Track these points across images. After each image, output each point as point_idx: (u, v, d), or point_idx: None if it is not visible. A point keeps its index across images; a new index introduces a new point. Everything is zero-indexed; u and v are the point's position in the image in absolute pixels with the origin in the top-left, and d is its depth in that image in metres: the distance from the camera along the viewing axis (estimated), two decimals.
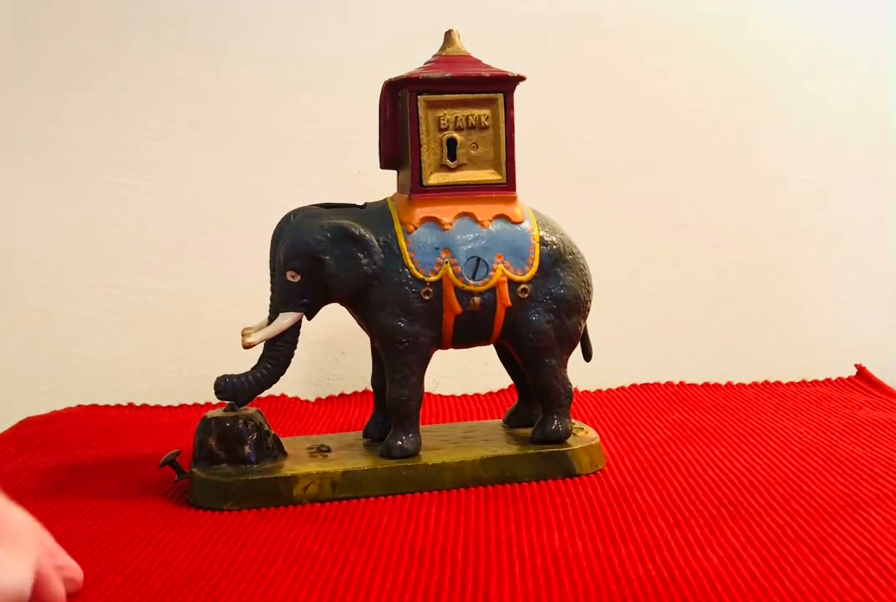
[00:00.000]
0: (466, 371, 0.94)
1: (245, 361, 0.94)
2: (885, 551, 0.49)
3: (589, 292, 0.65)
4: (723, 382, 0.94)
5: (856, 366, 0.94)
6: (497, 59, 0.64)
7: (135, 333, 0.95)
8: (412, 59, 0.93)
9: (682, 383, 0.93)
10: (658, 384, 0.93)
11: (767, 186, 0.99)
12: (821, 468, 0.64)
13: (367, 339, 0.66)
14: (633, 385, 0.93)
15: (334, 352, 0.95)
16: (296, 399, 0.91)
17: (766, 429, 0.75)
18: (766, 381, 0.94)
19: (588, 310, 0.65)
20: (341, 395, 0.94)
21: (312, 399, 0.93)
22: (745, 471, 0.64)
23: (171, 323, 0.95)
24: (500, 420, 0.71)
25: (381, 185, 0.86)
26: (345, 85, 0.95)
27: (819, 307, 1.00)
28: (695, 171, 0.98)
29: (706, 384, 0.93)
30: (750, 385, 0.93)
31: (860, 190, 1.01)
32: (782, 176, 0.99)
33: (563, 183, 0.96)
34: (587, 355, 0.68)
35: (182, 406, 0.91)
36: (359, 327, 0.66)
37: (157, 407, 0.91)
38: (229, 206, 0.95)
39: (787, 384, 0.94)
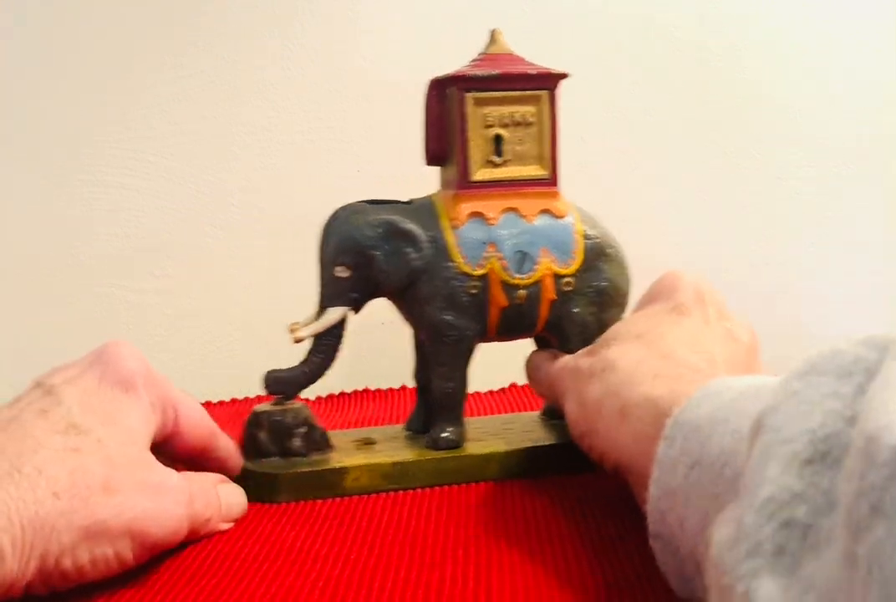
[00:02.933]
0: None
1: (245, 361, 0.94)
2: None
3: (629, 285, 0.66)
4: None
5: None
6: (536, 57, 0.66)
7: (134, 333, 0.95)
8: (413, 58, 0.94)
9: None
10: None
11: (768, 186, 1.01)
12: None
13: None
14: None
15: None
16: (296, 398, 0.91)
17: None
18: None
19: (627, 302, 0.67)
20: (341, 394, 0.94)
21: (312, 398, 0.93)
22: None
23: (170, 323, 0.96)
24: (537, 413, 0.73)
25: (382, 184, 0.86)
26: (346, 84, 0.96)
27: (821, 308, 1.02)
28: (701, 166, 1.00)
29: None
30: None
31: (861, 190, 1.03)
32: (782, 174, 1.01)
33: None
34: None
35: None
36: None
37: None
38: (231, 206, 0.96)
39: None
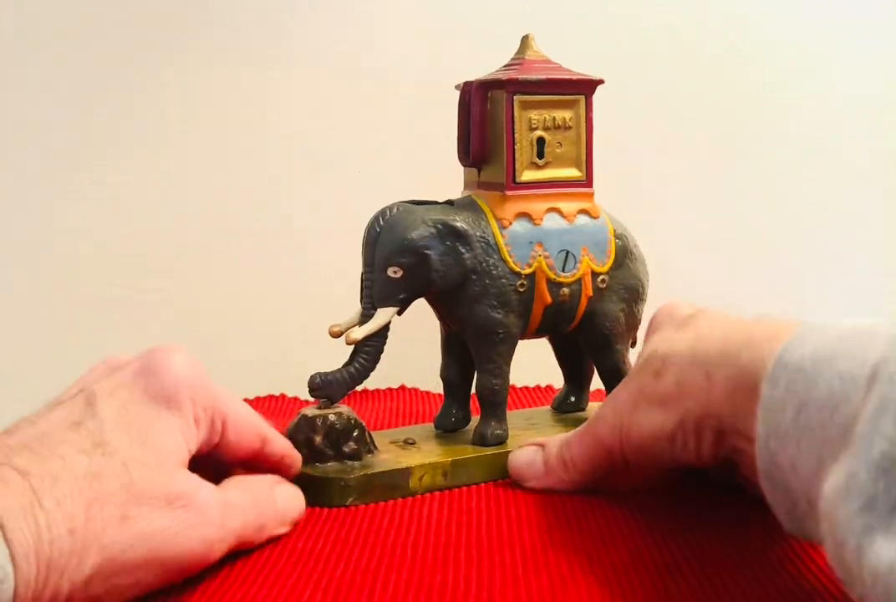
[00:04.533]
0: None
1: (246, 361, 0.92)
2: None
3: (648, 282, 0.70)
4: None
5: None
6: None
7: (135, 332, 0.93)
8: (415, 59, 0.95)
9: None
10: None
11: (767, 186, 1.02)
12: None
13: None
14: None
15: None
16: (296, 398, 0.89)
17: None
18: None
19: (646, 298, 0.70)
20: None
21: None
22: None
23: (171, 323, 0.94)
24: (548, 407, 0.75)
25: (383, 184, 0.87)
26: (347, 84, 0.96)
27: (822, 308, 1.01)
28: (700, 166, 1.01)
29: None
30: None
31: (861, 190, 1.04)
32: (781, 174, 1.02)
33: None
34: (633, 343, 0.73)
35: None
36: None
37: None
38: (231, 206, 0.95)
39: None
